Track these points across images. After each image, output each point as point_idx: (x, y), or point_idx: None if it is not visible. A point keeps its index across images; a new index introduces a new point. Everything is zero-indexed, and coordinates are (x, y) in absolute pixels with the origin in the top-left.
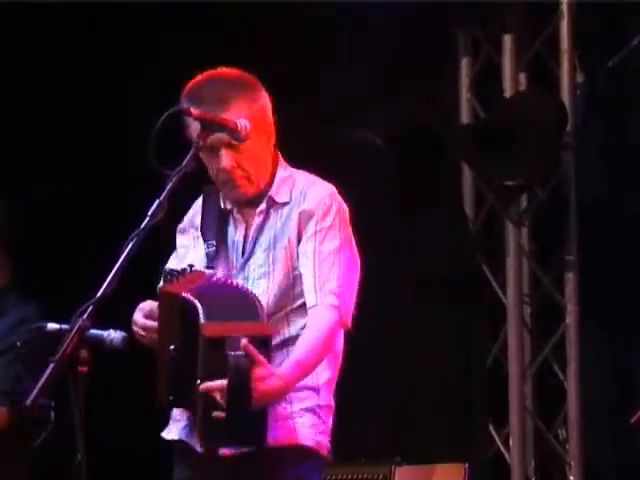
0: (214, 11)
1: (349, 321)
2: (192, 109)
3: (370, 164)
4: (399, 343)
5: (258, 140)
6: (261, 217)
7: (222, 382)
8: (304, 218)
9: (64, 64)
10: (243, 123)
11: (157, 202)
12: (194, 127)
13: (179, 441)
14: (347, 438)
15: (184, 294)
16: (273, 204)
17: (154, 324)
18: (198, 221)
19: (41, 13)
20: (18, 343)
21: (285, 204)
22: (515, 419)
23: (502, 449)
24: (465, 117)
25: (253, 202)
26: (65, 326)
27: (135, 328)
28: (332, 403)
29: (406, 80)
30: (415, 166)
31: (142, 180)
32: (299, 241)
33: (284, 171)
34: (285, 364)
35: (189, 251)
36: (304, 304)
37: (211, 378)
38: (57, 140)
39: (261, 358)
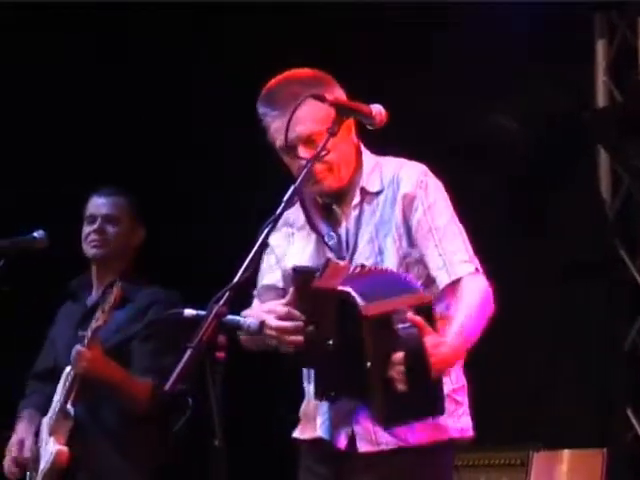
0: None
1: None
2: (326, 95)
3: (507, 148)
4: (537, 328)
5: (341, 132)
6: (357, 210)
7: (399, 355)
8: (407, 203)
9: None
10: (377, 108)
11: (292, 188)
12: (274, 128)
13: (316, 439)
14: (485, 423)
15: (339, 287)
16: (366, 195)
17: (291, 324)
18: (292, 219)
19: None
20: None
21: (379, 193)
22: None
23: None
24: (601, 100)
25: (346, 195)
26: (202, 312)
27: (267, 331)
28: (465, 382)
29: (543, 64)
30: (552, 150)
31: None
32: (407, 227)
33: (370, 160)
34: (449, 334)
35: (287, 250)
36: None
37: (381, 358)
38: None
39: (428, 328)
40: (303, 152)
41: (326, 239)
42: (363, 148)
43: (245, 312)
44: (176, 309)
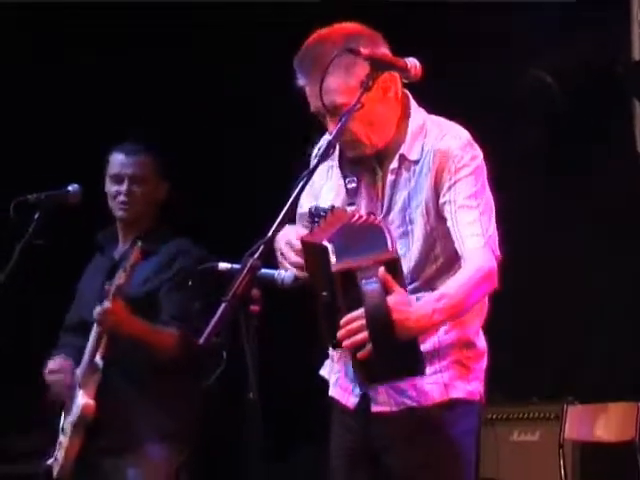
0: None
1: (497, 251)
2: (361, 49)
3: (541, 102)
4: (573, 283)
5: (372, 95)
6: (393, 175)
7: (358, 312)
8: (438, 175)
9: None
10: (412, 62)
11: (327, 143)
12: (307, 94)
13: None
14: (520, 377)
15: (324, 242)
16: (405, 161)
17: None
18: (334, 154)
19: None
20: (190, 282)
21: (417, 161)
22: None
23: None
24: (637, 53)
25: (387, 156)
26: (236, 266)
27: (285, 261)
28: (482, 347)
29: (577, 17)
30: (586, 103)
31: None
32: (437, 199)
33: (417, 121)
34: (426, 299)
35: (325, 183)
36: (446, 261)
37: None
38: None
39: (395, 285)
40: (330, 123)
41: (347, 182)
42: (414, 109)
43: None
44: (210, 262)
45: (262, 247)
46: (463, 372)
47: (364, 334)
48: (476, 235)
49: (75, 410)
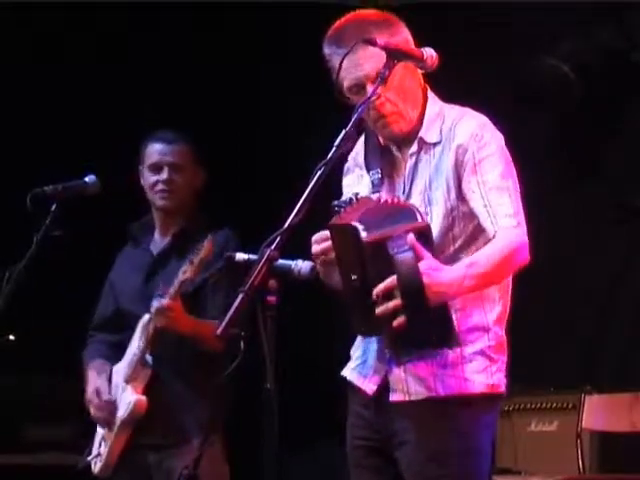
0: None
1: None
2: (377, 39)
3: (558, 93)
4: (590, 270)
5: (403, 72)
6: (413, 159)
7: (391, 279)
8: (459, 155)
9: None
10: (429, 52)
11: (344, 132)
12: (344, 67)
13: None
14: (537, 367)
15: (353, 223)
16: (424, 145)
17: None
18: (361, 159)
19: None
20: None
21: (436, 144)
22: None
23: None
24: None
25: (407, 141)
26: (253, 256)
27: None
28: (504, 337)
29: (593, 4)
30: (602, 91)
31: None
32: (458, 179)
33: (434, 107)
34: (457, 264)
35: (353, 189)
36: (464, 243)
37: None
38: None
39: (425, 252)
40: (371, 90)
41: (370, 174)
42: (430, 94)
43: None
44: (228, 253)
45: (279, 238)
46: (486, 364)
47: (397, 301)
48: (508, 215)
49: (125, 406)
